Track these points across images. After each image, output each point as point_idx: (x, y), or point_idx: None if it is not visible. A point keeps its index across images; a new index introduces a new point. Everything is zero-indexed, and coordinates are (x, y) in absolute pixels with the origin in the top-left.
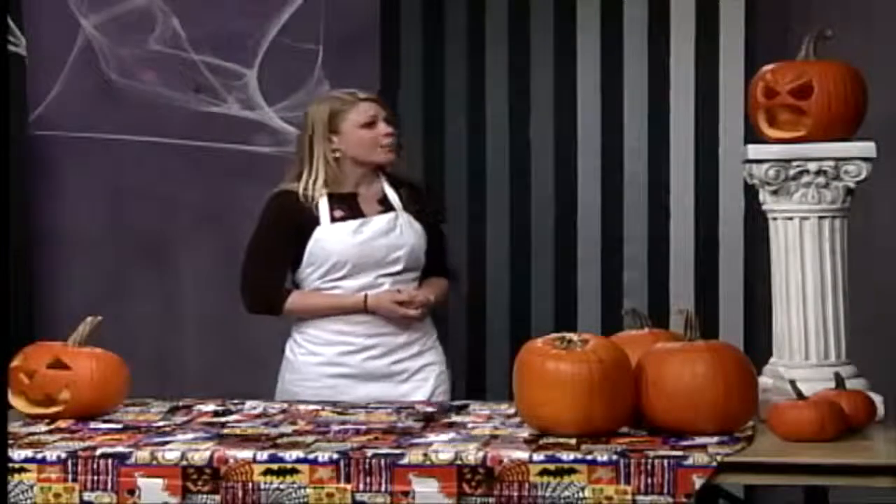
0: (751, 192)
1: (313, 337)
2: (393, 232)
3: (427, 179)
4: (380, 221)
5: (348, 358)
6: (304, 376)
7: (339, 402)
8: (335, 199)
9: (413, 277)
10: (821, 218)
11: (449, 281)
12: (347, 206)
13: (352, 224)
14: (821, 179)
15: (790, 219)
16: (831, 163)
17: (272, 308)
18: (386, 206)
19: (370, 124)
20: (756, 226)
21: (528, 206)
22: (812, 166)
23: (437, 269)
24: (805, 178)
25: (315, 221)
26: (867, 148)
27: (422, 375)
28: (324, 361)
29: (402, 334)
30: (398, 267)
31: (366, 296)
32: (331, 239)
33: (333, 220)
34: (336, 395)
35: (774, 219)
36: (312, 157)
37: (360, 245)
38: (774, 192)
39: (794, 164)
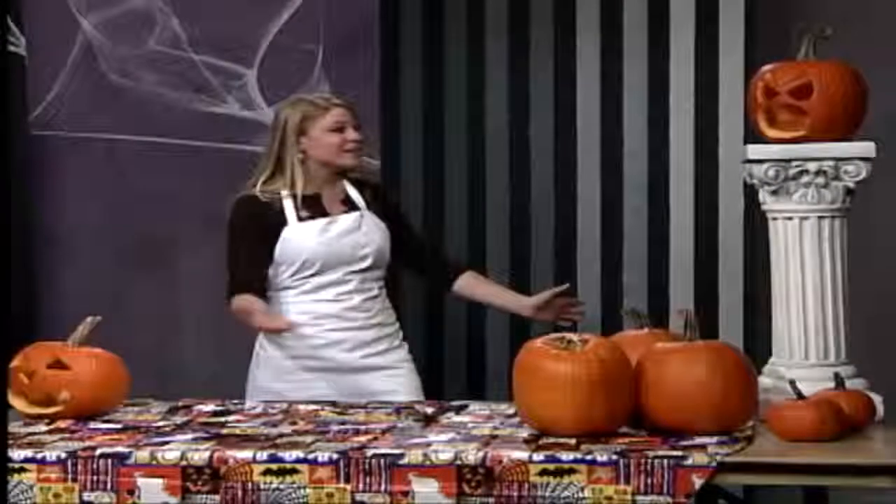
0: (750, 193)
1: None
2: (358, 230)
3: (426, 180)
4: (345, 220)
5: (322, 351)
6: (279, 370)
7: (338, 401)
8: (298, 200)
9: (378, 276)
10: (820, 218)
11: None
12: (312, 207)
13: (319, 223)
14: (820, 179)
15: (790, 219)
16: (831, 163)
17: (232, 292)
18: (349, 205)
19: (339, 129)
20: (756, 226)
21: (528, 206)
22: (812, 166)
23: (439, 254)
24: (805, 178)
25: (282, 221)
26: (867, 148)
27: (390, 371)
28: (297, 355)
29: (370, 330)
30: (366, 264)
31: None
32: (299, 237)
33: (300, 219)
34: (309, 388)
35: (774, 219)
36: (283, 159)
37: (327, 243)
38: (774, 192)
39: (794, 164)
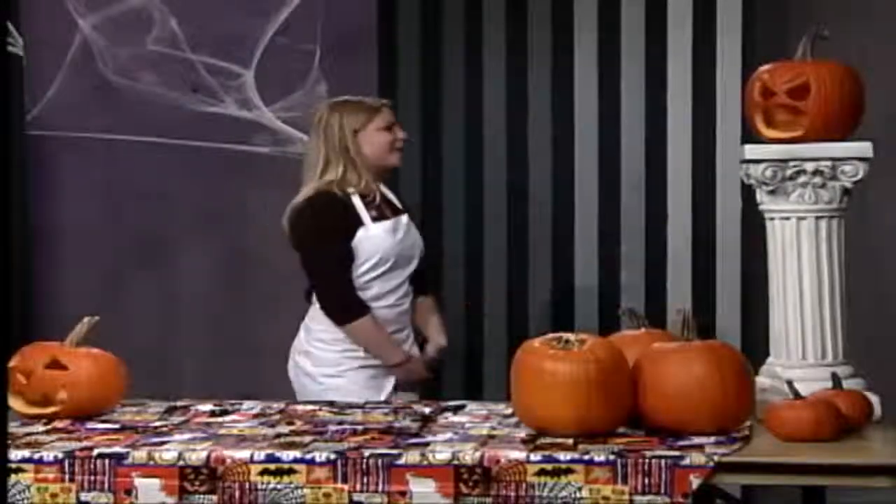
0: (748, 193)
1: (333, 336)
2: (411, 231)
3: (424, 180)
4: (402, 222)
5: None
6: (331, 364)
7: (336, 402)
8: (364, 200)
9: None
10: (818, 218)
11: (433, 289)
12: (375, 207)
13: (388, 223)
14: (818, 179)
15: (787, 219)
16: (828, 163)
17: (348, 318)
18: (393, 208)
19: (389, 128)
20: (753, 226)
21: (526, 207)
22: (809, 166)
23: (423, 270)
24: (802, 179)
25: (358, 219)
26: (864, 148)
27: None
28: (351, 357)
29: (405, 329)
30: (413, 266)
31: (409, 357)
32: (378, 236)
33: (373, 219)
34: (363, 385)
35: (771, 219)
36: (345, 157)
37: (398, 243)
38: (771, 193)
39: (791, 164)
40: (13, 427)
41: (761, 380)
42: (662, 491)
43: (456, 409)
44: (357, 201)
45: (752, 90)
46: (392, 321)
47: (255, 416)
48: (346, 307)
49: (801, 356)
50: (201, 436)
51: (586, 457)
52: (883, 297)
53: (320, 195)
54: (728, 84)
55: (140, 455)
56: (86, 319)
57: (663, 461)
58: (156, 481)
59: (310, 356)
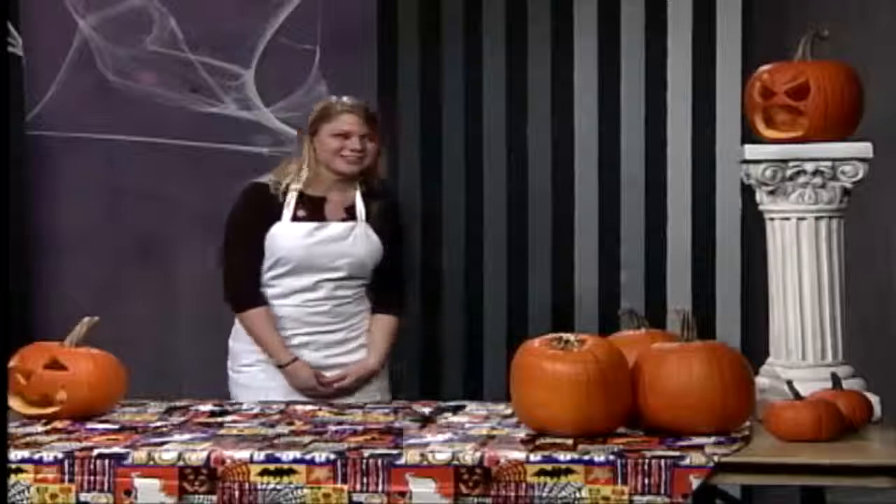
0: (748, 193)
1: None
2: (345, 241)
3: (423, 179)
4: (336, 228)
5: (292, 350)
6: (244, 362)
7: (336, 402)
8: (303, 199)
9: (357, 285)
10: (817, 218)
11: (398, 310)
12: (312, 209)
13: (308, 226)
14: (817, 180)
15: (787, 219)
16: (828, 163)
17: (241, 306)
18: (351, 215)
19: (343, 135)
20: (753, 226)
21: (526, 207)
22: (809, 167)
23: (388, 288)
24: (802, 179)
25: (277, 215)
26: (864, 148)
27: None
28: (250, 349)
29: (338, 333)
30: (339, 274)
31: (294, 359)
32: (284, 236)
33: (295, 218)
34: (270, 380)
35: (771, 219)
36: (301, 154)
37: (307, 247)
38: (771, 193)
39: (791, 164)
40: (13, 427)
41: (761, 380)
42: (662, 491)
43: (456, 410)
44: (291, 198)
45: (751, 90)
46: (302, 322)
47: (255, 416)
48: (238, 295)
49: (801, 356)
50: (201, 436)
51: (586, 457)
52: (883, 298)
53: (252, 186)
54: (728, 84)
55: (140, 455)
56: (85, 319)
57: (663, 461)
58: (155, 482)
59: (230, 352)
